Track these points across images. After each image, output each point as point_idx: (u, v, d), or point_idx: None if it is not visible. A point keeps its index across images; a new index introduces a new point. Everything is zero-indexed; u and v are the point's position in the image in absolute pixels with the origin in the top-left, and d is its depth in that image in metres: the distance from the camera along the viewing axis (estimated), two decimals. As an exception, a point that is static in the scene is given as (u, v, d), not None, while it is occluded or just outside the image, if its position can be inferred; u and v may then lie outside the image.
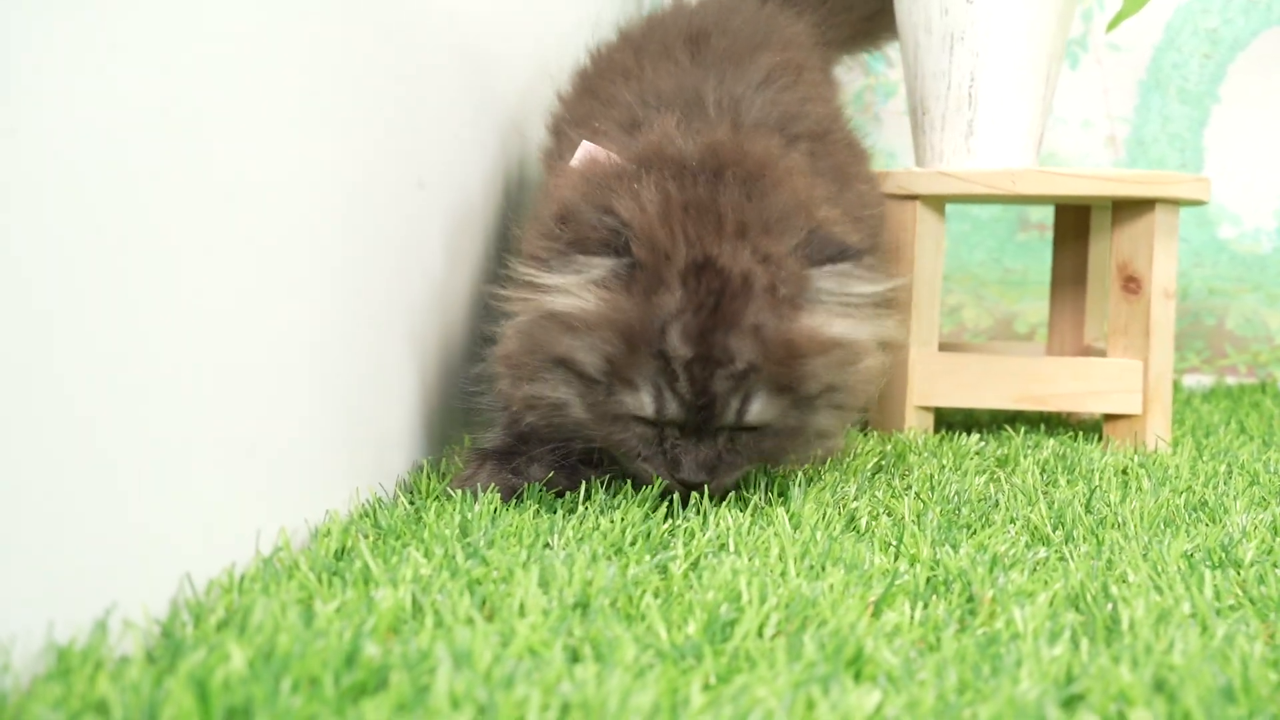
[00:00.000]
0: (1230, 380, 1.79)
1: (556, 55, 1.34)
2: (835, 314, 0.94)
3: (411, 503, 0.93)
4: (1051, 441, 1.24)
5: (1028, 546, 0.88)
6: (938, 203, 1.30)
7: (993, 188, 1.25)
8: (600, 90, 1.14)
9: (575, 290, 0.91)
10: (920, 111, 1.35)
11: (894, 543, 0.87)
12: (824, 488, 1.01)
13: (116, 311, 0.61)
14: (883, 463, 1.12)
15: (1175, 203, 1.29)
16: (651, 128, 1.02)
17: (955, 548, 0.85)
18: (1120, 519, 0.94)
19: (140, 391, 0.63)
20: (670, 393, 0.89)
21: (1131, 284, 1.30)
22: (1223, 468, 1.14)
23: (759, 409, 0.90)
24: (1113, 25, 1.38)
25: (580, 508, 0.92)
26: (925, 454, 1.17)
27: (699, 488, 0.92)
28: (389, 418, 0.99)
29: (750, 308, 0.89)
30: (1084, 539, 0.89)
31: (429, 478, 1.00)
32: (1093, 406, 1.30)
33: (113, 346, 0.60)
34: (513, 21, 1.28)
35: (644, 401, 0.89)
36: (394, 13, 0.96)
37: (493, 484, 0.95)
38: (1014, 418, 1.40)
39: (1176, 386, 1.75)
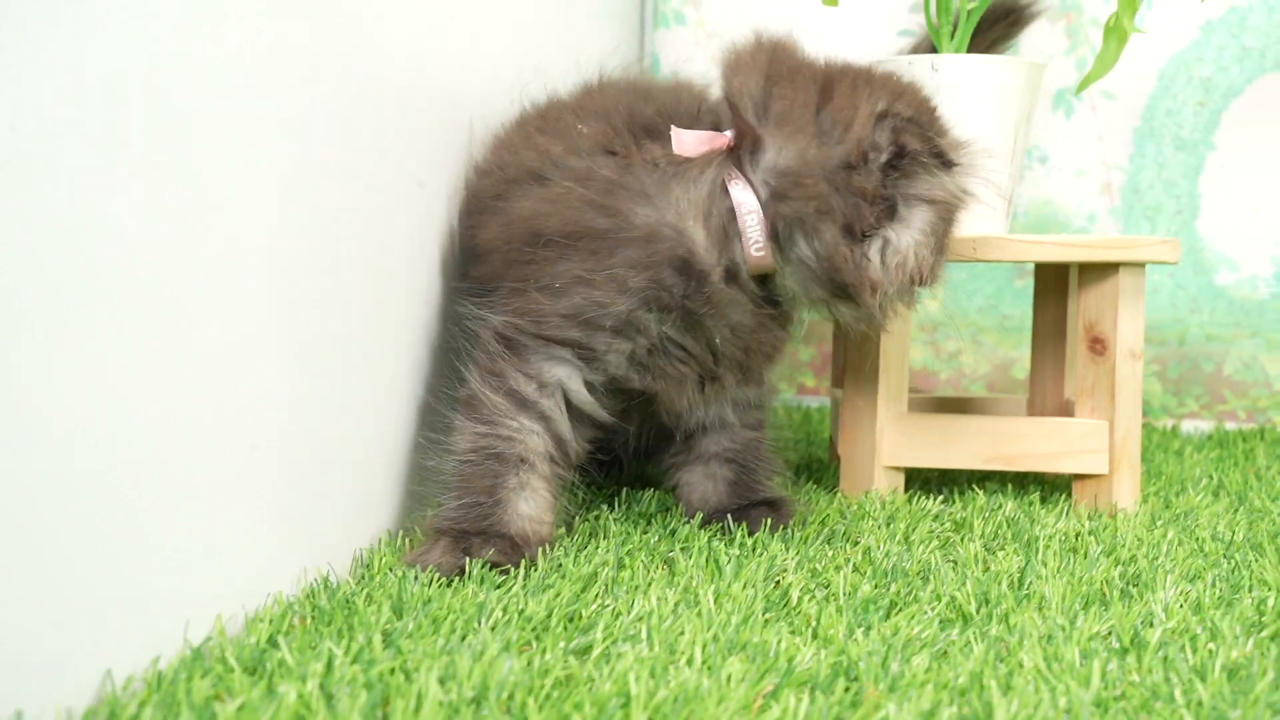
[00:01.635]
0: (1230, 425, 1.79)
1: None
2: None
3: (367, 577, 0.98)
4: (1010, 504, 1.26)
5: (944, 627, 0.90)
6: (905, 267, 1.33)
7: (956, 255, 1.28)
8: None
9: (937, 185, 1.10)
10: (892, 175, 1.38)
11: (813, 623, 0.90)
12: (763, 559, 1.04)
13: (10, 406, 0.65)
14: (836, 529, 1.15)
15: (1140, 265, 1.31)
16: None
17: (870, 630, 0.88)
18: (1045, 596, 0.97)
19: (64, 468, 0.67)
20: None
21: (1097, 345, 1.32)
22: (1171, 534, 1.16)
23: None
24: (1081, 88, 1.40)
25: (519, 584, 0.96)
26: (881, 520, 1.20)
27: None
28: (355, 481, 1.03)
29: None
30: (1004, 617, 0.92)
31: (383, 552, 1.04)
32: (1060, 467, 1.32)
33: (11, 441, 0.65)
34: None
35: None
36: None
37: (432, 565, 0.99)
38: (989, 475, 1.42)
39: (1175, 434, 1.76)
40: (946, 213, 1.09)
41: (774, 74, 1.10)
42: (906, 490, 1.35)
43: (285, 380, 0.91)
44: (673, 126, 1.08)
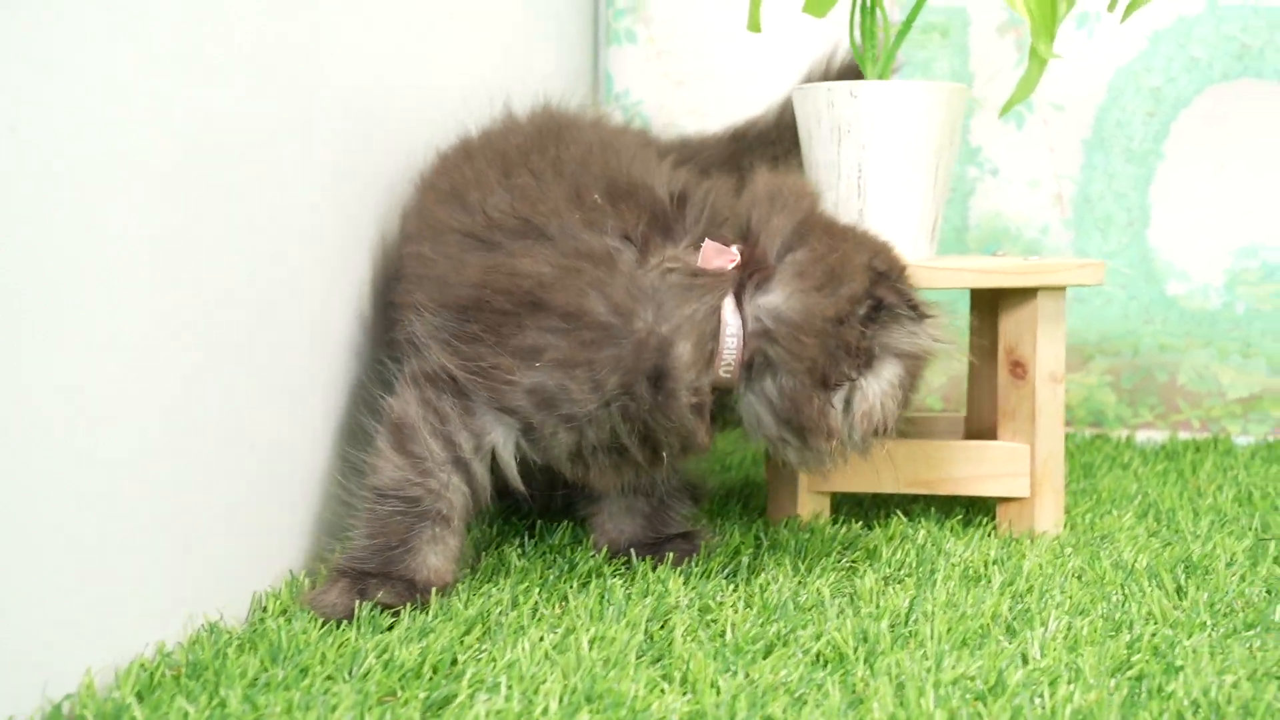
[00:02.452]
0: (1184, 435, 1.79)
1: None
2: None
3: (260, 621, 1.00)
4: (924, 531, 1.27)
5: (814, 669, 0.92)
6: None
7: (869, 282, 1.28)
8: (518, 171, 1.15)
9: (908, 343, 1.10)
10: (816, 200, 1.39)
11: (684, 667, 0.91)
12: (653, 598, 1.05)
13: None
14: (743, 561, 1.16)
15: (1060, 289, 1.31)
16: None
17: (737, 674, 0.90)
18: (927, 634, 0.98)
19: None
20: None
21: (1018, 369, 1.33)
22: (1077, 562, 1.17)
23: None
24: (1004, 110, 1.40)
25: (402, 628, 0.97)
26: (792, 549, 1.21)
27: None
28: (256, 519, 1.05)
29: None
30: (875, 659, 0.93)
31: (282, 594, 1.06)
32: (981, 490, 1.32)
33: None
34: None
35: None
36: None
37: (325, 607, 1.01)
38: (919, 498, 1.43)
39: (1129, 444, 1.76)
40: (915, 367, 1.10)
41: (808, 224, 1.10)
42: (836, 514, 1.36)
43: (172, 413, 0.93)
44: (706, 240, 1.07)
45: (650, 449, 1.09)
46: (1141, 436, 1.80)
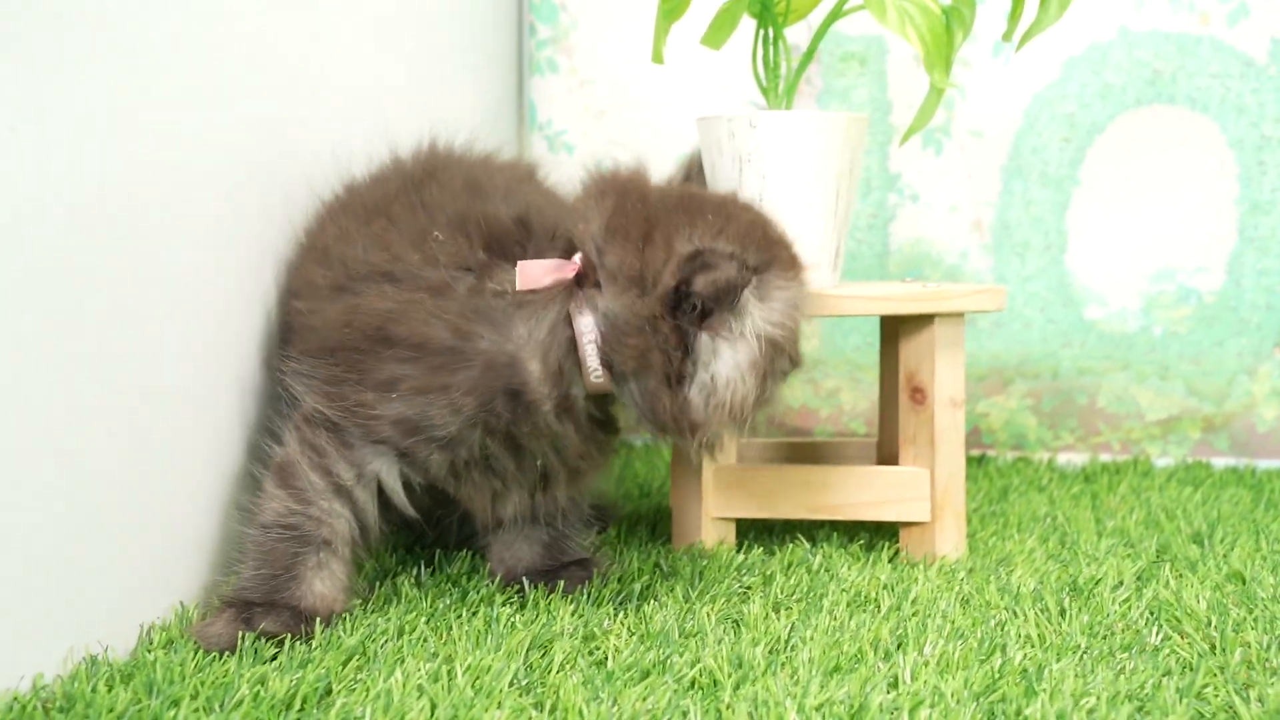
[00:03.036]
0: (1105, 457, 1.81)
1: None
2: None
3: (144, 654, 1.00)
4: (818, 556, 1.29)
5: (683, 694, 0.93)
6: (728, 321, 1.35)
7: (767, 311, 1.30)
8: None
9: (757, 316, 1.09)
10: (721, 229, 1.40)
11: (555, 696, 0.92)
12: (538, 625, 1.06)
13: None
14: (634, 588, 1.17)
15: (958, 315, 1.33)
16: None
17: (604, 703, 0.91)
18: (800, 660, 0.99)
19: None
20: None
21: (917, 394, 1.34)
22: (967, 587, 1.18)
23: None
24: (904, 139, 1.42)
25: (284, 656, 0.98)
26: (687, 576, 1.22)
27: None
28: (146, 549, 1.05)
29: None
30: (744, 685, 0.94)
31: (170, 625, 1.06)
32: (882, 515, 1.34)
33: None
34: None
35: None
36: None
37: (210, 637, 1.02)
38: (824, 523, 1.44)
39: (1050, 467, 1.77)
40: (770, 345, 1.08)
41: (613, 224, 1.08)
42: (741, 540, 1.37)
43: (62, 443, 0.94)
44: (519, 262, 1.08)
45: (529, 465, 1.12)
46: (1063, 459, 1.82)
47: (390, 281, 1.11)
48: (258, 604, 1.06)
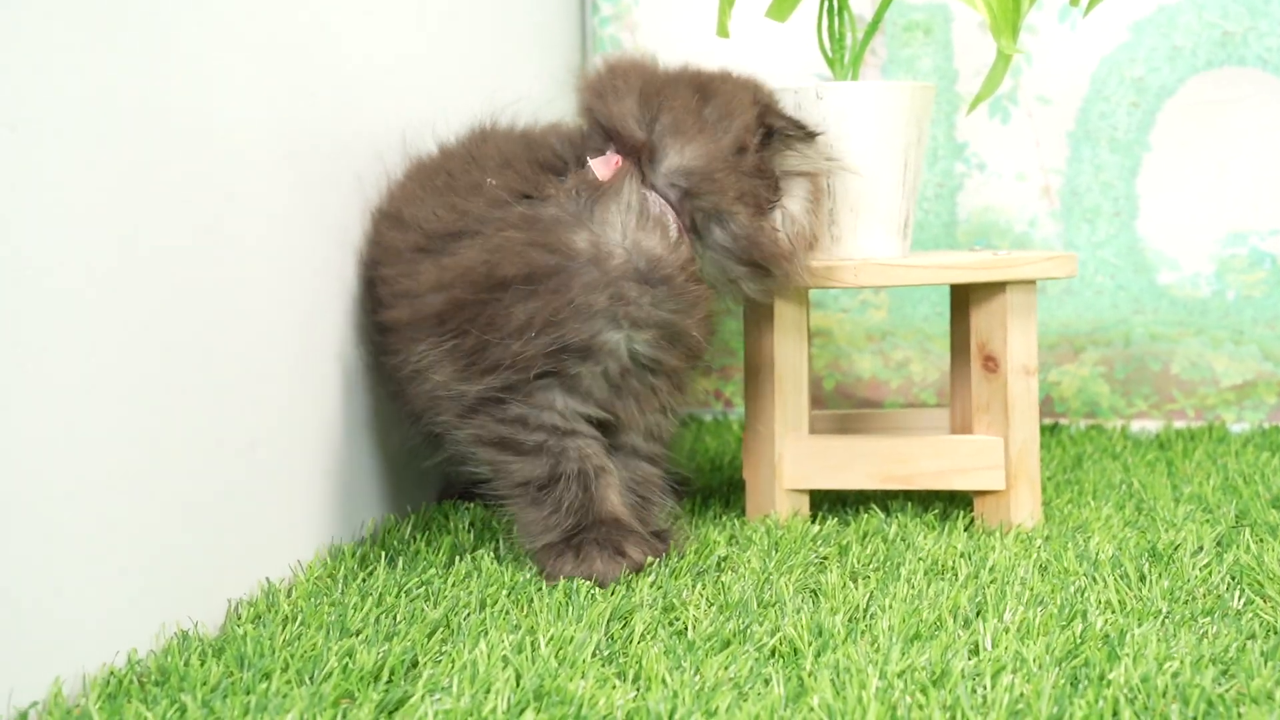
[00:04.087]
0: (1179, 424, 1.79)
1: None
2: None
3: (236, 626, 1.02)
4: (893, 526, 1.29)
5: (763, 663, 0.93)
6: (798, 292, 1.35)
7: (836, 281, 1.30)
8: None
9: (809, 158, 1.28)
10: (789, 201, 1.41)
11: (638, 664, 0.93)
12: (617, 596, 1.07)
13: None
14: (712, 560, 1.18)
15: (1030, 282, 1.32)
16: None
17: (687, 671, 0.92)
18: (879, 628, 0.99)
19: None
20: None
21: (990, 363, 1.34)
22: (1045, 554, 1.18)
23: None
24: (971, 107, 1.41)
25: (369, 630, 1.00)
26: (764, 548, 1.23)
27: None
28: (235, 525, 1.08)
29: None
30: (826, 652, 0.95)
31: (250, 603, 1.08)
32: (957, 484, 1.34)
33: None
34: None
35: None
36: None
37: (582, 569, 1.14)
38: (898, 493, 1.44)
39: (1124, 434, 1.76)
40: (818, 181, 1.26)
41: (649, 90, 1.21)
42: (815, 511, 1.38)
43: (147, 420, 0.96)
44: (588, 158, 1.18)
45: (685, 352, 1.20)
46: (1136, 426, 1.81)
47: (471, 237, 1.16)
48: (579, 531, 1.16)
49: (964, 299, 1.45)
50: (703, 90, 1.22)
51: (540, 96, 1.77)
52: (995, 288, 1.33)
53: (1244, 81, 1.74)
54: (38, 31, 0.86)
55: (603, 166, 1.18)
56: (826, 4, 1.40)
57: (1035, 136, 1.80)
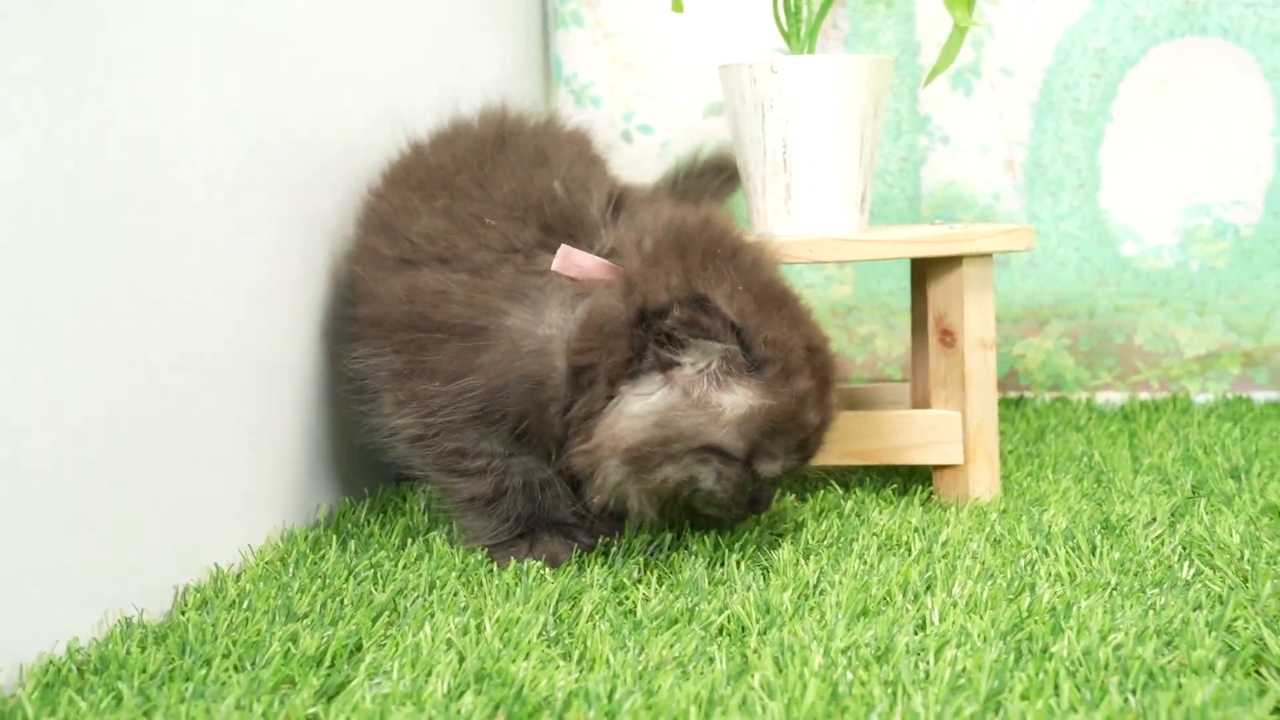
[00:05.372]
0: (1144, 395, 1.79)
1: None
2: None
3: (180, 614, 1.02)
4: (850, 502, 1.28)
5: (709, 641, 0.93)
6: (755, 269, 1.34)
7: (791, 257, 1.29)
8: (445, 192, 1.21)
9: (711, 380, 1.04)
10: (745, 177, 1.40)
11: (582, 646, 0.93)
12: (566, 577, 1.07)
13: None
14: (668, 537, 1.18)
15: (986, 255, 1.31)
16: (632, 216, 1.14)
17: (630, 651, 0.91)
18: (827, 604, 0.99)
19: None
20: (797, 453, 1.08)
21: (947, 337, 1.34)
22: (999, 528, 1.17)
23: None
24: (928, 80, 1.40)
25: (314, 616, 0.99)
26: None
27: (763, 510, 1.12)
28: (182, 511, 1.07)
29: (837, 376, 1.12)
30: (771, 630, 0.94)
31: (196, 590, 1.07)
32: (916, 459, 1.33)
33: None
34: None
35: (778, 465, 1.07)
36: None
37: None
38: (859, 469, 1.44)
39: (1089, 407, 1.76)
40: (697, 414, 1.04)
41: (658, 246, 1.09)
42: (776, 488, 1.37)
43: (92, 407, 0.95)
44: (564, 246, 1.10)
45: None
46: (1101, 398, 1.80)
47: (442, 262, 1.14)
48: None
49: (923, 274, 1.45)
50: (681, 254, 1.09)
51: (504, 77, 1.76)
52: (951, 262, 1.32)
53: (1206, 52, 1.73)
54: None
55: (580, 263, 1.09)
56: (780, -22, 1.39)
57: (998, 109, 1.79)
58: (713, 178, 1.61)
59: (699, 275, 1.05)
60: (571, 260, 1.09)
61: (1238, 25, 1.72)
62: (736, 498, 1.08)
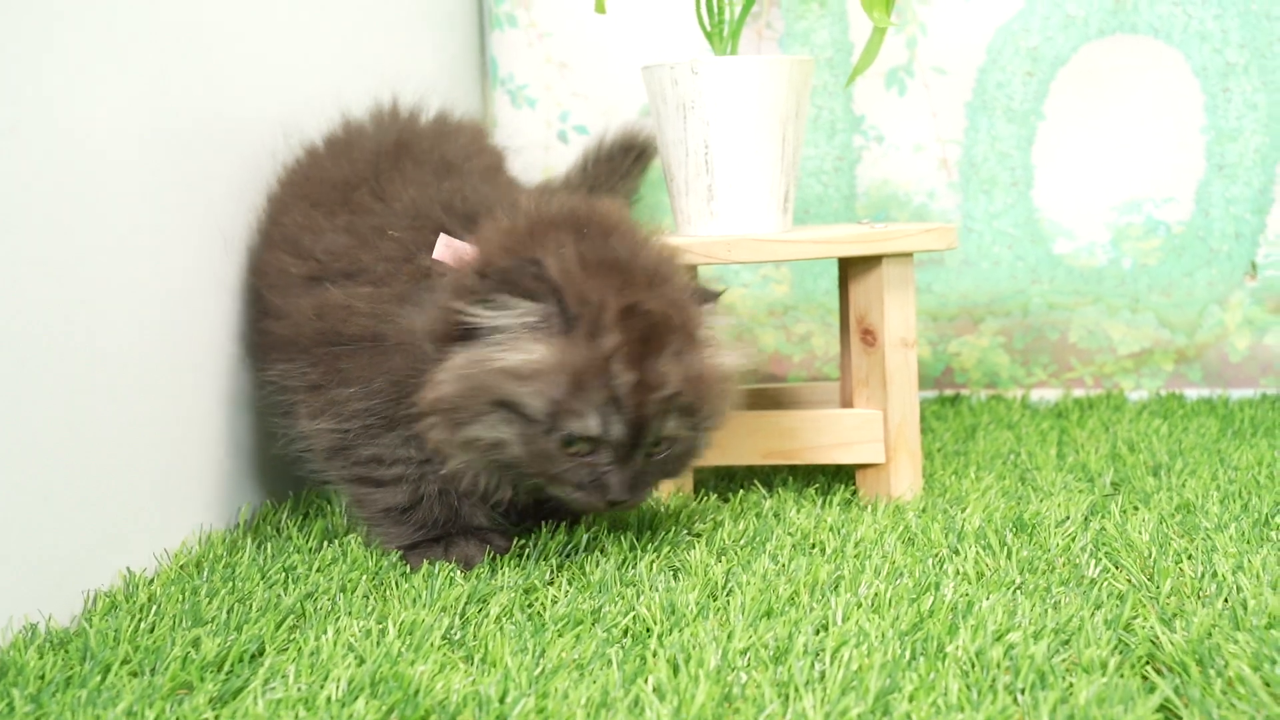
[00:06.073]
0: (1078, 392, 1.80)
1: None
2: (720, 346, 1.12)
3: (87, 620, 1.01)
4: (770, 501, 1.29)
5: (613, 643, 0.93)
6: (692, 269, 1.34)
7: (711, 258, 1.30)
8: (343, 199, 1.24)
9: (513, 337, 1.04)
10: (669, 178, 1.40)
11: (484, 649, 0.93)
12: (476, 581, 1.07)
13: None
14: (583, 538, 1.18)
15: (906, 255, 1.32)
16: (515, 203, 1.16)
17: (530, 654, 0.91)
18: (733, 605, 0.99)
19: None
20: (615, 415, 1.03)
21: (869, 336, 1.34)
22: (914, 526, 1.18)
23: (673, 428, 1.06)
24: (850, 80, 1.41)
25: (219, 621, 0.99)
26: (636, 527, 1.22)
27: (623, 506, 1.07)
28: (92, 517, 1.07)
29: (672, 341, 1.05)
30: (672, 632, 0.94)
31: (106, 595, 1.07)
32: (838, 458, 1.34)
33: None
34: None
35: (589, 424, 1.02)
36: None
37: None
38: (784, 468, 1.44)
39: (1024, 404, 1.77)
40: (491, 368, 1.05)
41: (513, 228, 1.12)
42: (700, 489, 1.37)
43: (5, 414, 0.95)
44: (442, 233, 1.12)
45: None
46: (1036, 395, 1.81)
47: (347, 277, 1.16)
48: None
49: (847, 273, 1.45)
50: (530, 236, 1.12)
51: (439, 78, 1.76)
52: (871, 261, 1.32)
53: (1136, 49, 1.74)
54: None
55: (449, 247, 1.11)
56: (703, -22, 1.39)
57: (932, 107, 1.80)
58: (622, 158, 1.64)
59: (539, 244, 1.07)
60: (451, 249, 1.10)
61: (1167, 23, 1.73)
62: (576, 475, 1.04)
